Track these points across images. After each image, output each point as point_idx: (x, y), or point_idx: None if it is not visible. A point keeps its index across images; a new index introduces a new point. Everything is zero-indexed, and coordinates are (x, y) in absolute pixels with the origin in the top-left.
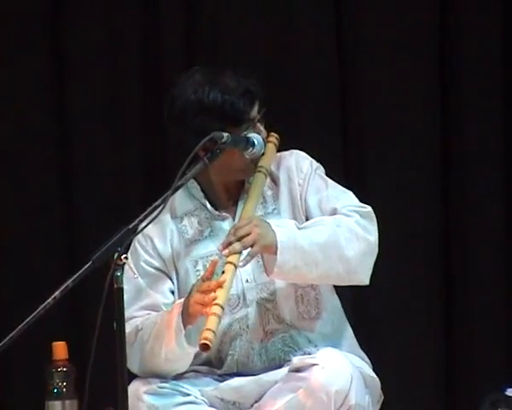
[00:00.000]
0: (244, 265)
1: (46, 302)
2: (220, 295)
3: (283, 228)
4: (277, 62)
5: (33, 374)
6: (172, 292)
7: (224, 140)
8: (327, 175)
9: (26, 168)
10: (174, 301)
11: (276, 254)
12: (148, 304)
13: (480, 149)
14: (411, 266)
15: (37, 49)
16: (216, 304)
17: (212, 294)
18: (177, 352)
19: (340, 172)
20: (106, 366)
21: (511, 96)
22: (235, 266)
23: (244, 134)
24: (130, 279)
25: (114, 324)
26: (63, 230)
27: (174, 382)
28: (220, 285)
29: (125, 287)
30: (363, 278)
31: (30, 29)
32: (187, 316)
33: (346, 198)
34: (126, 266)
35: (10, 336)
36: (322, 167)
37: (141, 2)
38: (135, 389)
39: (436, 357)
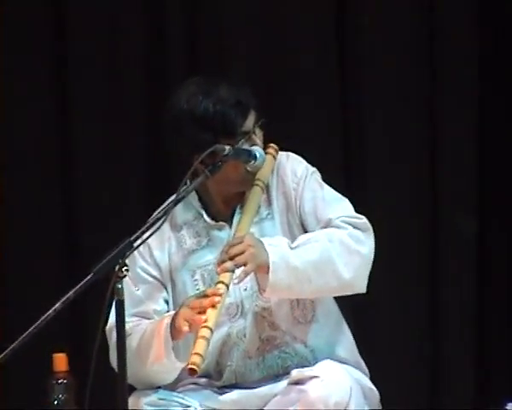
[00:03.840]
0: (239, 282)
1: (47, 314)
2: (210, 317)
3: (276, 247)
4: (277, 63)
5: (34, 386)
6: (166, 302)
7: (225, 153)
8: (325, 180)
9: (27, 172)
10: (167, 311)
11: (268, 273)
12: (140, 311)
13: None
14: (409, 272)
15: (38, 51)
16: (205, 326)
17: (203, 316)
18: (164, 362)
19: (339, 173)
20: (106, 378)
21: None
22: (227, 286)
23: (245, 147)
24: (126, 285)
25: (108, 329)
26: (63, 236)
27: (174, 393)
28: (213, 305)
29: None
30: (358, 288)
31: (31, 31)
32: (174, 329)
33: (341, 207)
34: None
35: (11, 347)
36: (318, 172)
37: (145, 8)
38: (135, 400)
39: (432, 370)
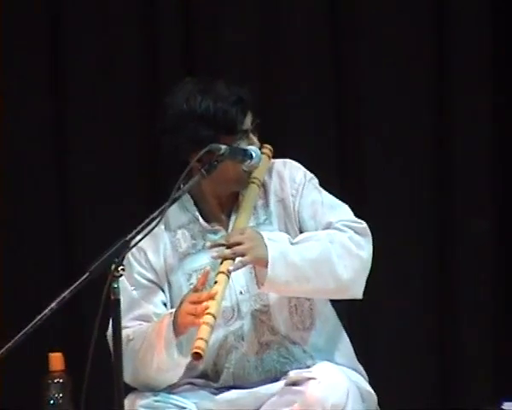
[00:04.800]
0: (234, 270)
1: (43, 313)
2: (212, 305)
3: (276, 242)
4: (271, 63)
5: (30, 385)
6: (165, 304)
7: (221, 152)
8: (321, 185)
9: (25, 174)
10: None
11: (266, 267)
12: (140, 314)
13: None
14: (410, 273)
15: (37, 55)
16: (208, 313)
17: (204, 304)
18: (168, 362)
19: (334, 175)
20: (102, 378)
21: (502, 107)
22: (228, 276)
23: (241, 146)
24: (125, 290)
25: (109, 335)
26: (61, 237)
27: (170, 395)
28: (211, 297)
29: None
30: (355, 293)
31: (30, 35)
32: (178, 326)
33: (341, 212)
34: (122, 277)
35: (7, 346)
36: (316, 179)
37: (139, 10)
38: (131, 402)
39: (434, 371)
